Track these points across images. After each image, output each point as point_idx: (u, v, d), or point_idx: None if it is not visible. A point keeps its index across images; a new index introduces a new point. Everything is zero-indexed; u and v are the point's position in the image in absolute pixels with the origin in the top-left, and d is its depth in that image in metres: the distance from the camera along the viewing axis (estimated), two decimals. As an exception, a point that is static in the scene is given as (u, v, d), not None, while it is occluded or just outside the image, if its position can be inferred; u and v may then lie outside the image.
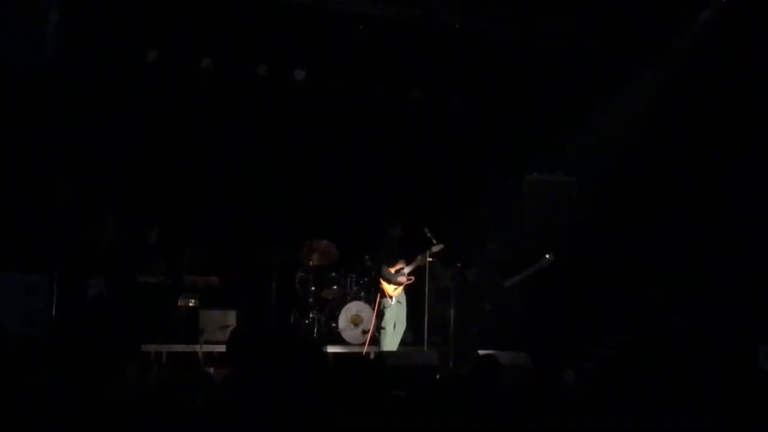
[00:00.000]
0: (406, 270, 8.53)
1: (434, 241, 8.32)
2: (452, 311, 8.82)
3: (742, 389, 4.12)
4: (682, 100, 8.46)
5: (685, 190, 8.56)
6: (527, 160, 9.75)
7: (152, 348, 8.20)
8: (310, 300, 9.49)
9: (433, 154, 10.04)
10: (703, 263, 8.22)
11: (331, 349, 8.76)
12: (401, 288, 8.58)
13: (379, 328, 8.65)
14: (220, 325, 8.71)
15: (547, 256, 8.61)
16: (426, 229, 8.38)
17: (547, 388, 4.46)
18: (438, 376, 6.79)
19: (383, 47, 9.13)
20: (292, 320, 9.51)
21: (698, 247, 8.30)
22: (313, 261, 9.46)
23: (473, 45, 8.96)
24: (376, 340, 8.70)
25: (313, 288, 9.55)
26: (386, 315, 8.56)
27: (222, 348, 8.41)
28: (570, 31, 8.66)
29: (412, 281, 8.57)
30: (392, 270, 8.58)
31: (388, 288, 8.56)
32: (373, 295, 9.35)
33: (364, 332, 9.04)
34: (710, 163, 8.45)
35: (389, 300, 8.53)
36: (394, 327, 8.54)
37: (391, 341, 8.48)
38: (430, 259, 8.41)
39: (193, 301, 8.70)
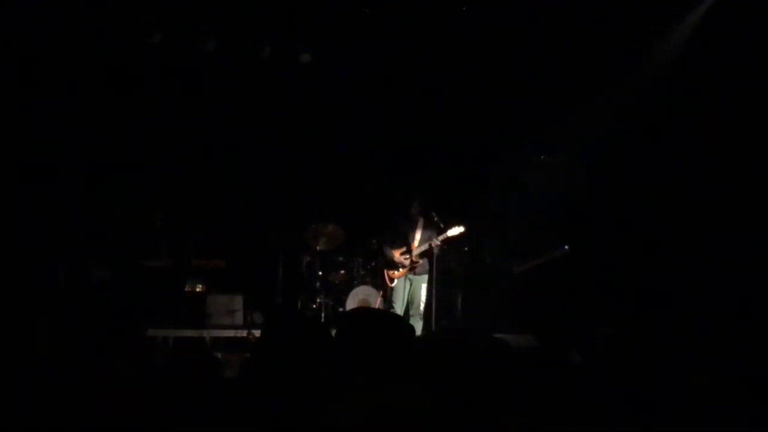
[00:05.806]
0: (415, 252, 8.34)
1: (441, 225, 8.16)
2: (460, 294, 8.76)
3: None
4: (692, 77, 8.27)
5: (693, 168, 8.39)
6: (533, 141, 9.66)
7: (159, 333, 8.21)
8: (317, 284, 9.47)
9: (440, 136, 9.94)
10: (710, 244, 8.09)
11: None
12: (405, 270, 8.40)
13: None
14: (227, 310, 8.71)
15: (564, 247, 8.53)
16: (433, 213, 8.30)
17: (555, 369, 4.42)
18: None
19: (388, 26, 9.01)
20: (299, 305, 9.49)
21: (704, 227, 8.16)
22: (320, 245, 9.41)
23: (481, 24, 8.83)
24: None
25: (320, 272, 9.52)
26: (392, 296, 8.50)
27: (228, 333, 8.43)
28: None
29: (418, 264, 8.37)
30: (396, 252, 8.47)
31: (390, 270, 8.51)
32: (380, 279, 9.32)
33: (371, 316, 8.96)
34: (722, 141, 8.24)
35: (391, 282, 8.46)
36: (409, 306, 8.38)
37: None
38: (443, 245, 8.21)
39: (200, 286, 8.68)
